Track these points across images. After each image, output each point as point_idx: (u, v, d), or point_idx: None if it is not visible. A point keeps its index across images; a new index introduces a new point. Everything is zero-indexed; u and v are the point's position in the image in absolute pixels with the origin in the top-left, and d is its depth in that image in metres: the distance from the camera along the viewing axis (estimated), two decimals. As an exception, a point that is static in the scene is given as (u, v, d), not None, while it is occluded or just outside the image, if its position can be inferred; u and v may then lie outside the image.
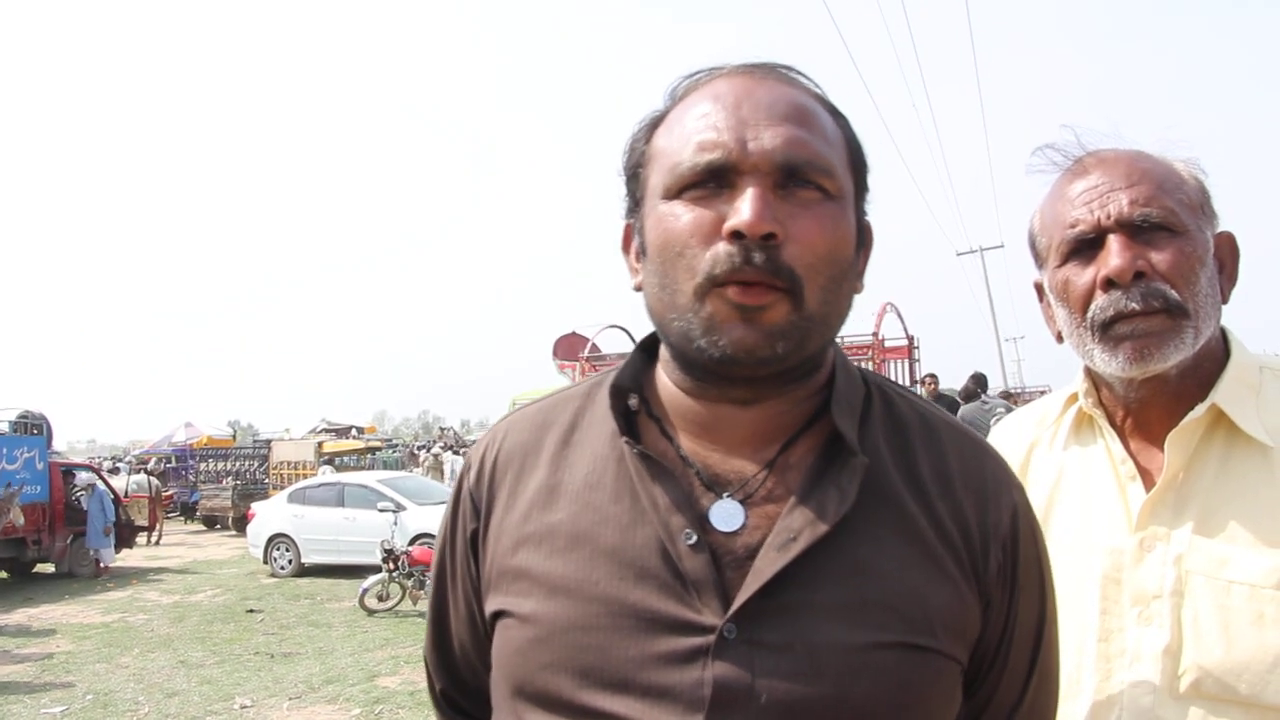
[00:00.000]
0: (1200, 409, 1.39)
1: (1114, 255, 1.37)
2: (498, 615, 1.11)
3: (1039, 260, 1.53)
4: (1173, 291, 1.35)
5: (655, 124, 1.11)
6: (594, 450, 1.12)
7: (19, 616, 13.12)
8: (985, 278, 39.25)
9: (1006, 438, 1.65)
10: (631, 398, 1.14)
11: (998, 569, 1.09)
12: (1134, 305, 1.36)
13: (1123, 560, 1.41)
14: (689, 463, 1.08)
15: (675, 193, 1.04)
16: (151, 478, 23.66)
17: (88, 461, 23.44)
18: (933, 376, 14.96)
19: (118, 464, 27.96)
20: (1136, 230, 1.38)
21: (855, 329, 17.34)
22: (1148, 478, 1.44)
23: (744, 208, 0.98)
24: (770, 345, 1.00)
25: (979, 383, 13.88)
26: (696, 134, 1.03)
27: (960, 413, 12.82)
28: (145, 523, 21.06)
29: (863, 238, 1.12)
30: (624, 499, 1.07)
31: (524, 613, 1.07)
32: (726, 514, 1.04)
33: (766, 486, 1.06)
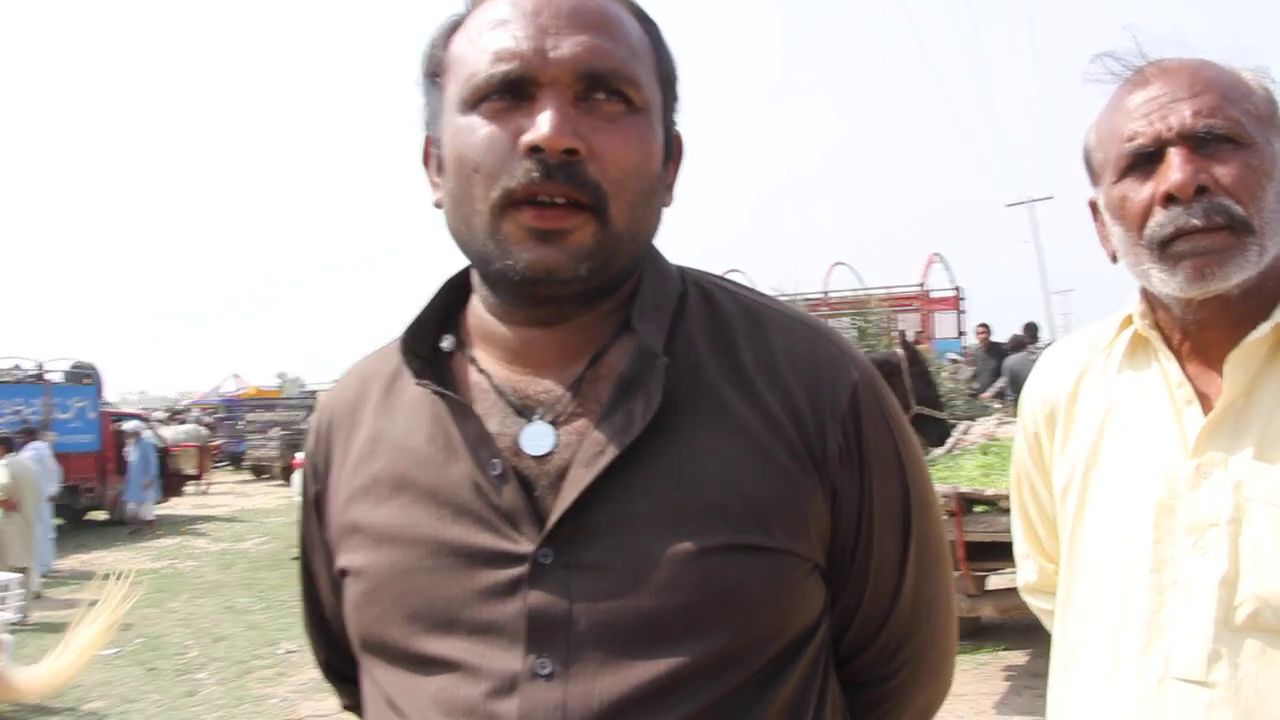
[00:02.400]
0: (1263, 329, 1.32)
1: (1174, 169, 1.30)
2: (342, 574, 1.08)
3: (1094, 177, 1.46)
4: (1237, 207, 1.29)
5: (454, 28, 1.05)
6: (412, 394, 1.08)
7: (72, 562, 13.41)
8: (1034, 229, 38.63)
9: (1055, 364, 1.59)
10: (445, 338, 1.09)
11: (839, 452, 1.02)
12: (1195, 221, 1.29)
13: (1178, 487, 1.34)
14: (500, 391, 1.03)
15: (472, 105, 0.98)
16: (200, 427, 24.03)
17: (139, 412, 23.86)
18: (985, 326, 14.77)
19: (174, 414, 28.37)
20: (1199, 143, 1.31)
21: (901, 279, 17.07)
22: (1206, 402, 1.37)
23: (542, 122, 0.94)
24: (573, 266, 0.96)
25: (1030, 332, 13.66)
26: (493, 43, 0.98)
27: (1006, 362, 12.63)
28: (194, 471, 21.41)
29: (671, 150, 1.08)
30: (437, 439, 1.03)
31: (356, 566, 1.05)
32: (535, 437, 1.00)
33: (575, 404, 1.01)
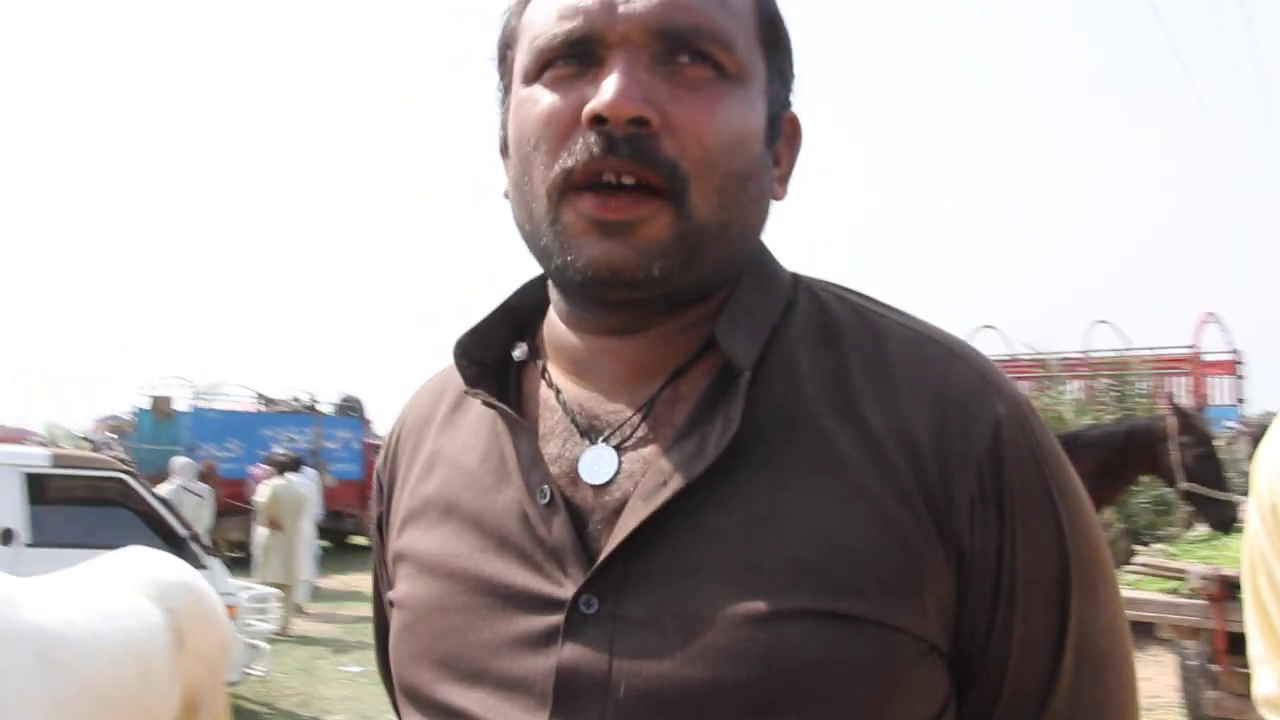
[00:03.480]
0: None
1: None
2: (390, 605, 0.97)
3: None
4: None
5: None
6: (478, 410, 0.94)
7: (334, 582, 14.35)
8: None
9: None
10: (518, 346, 0.96)
11: (971, 504, 0.81)
12: None
13: None
14: (568, 409, 0.89)
15: (535, 74, 0.86)
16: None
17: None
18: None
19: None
20: None
21: (1170, 339, 15.87)
22: None
23: (606, 86, 0.79)
24: (644, 265, 0.81)
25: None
26: (561, 0, 0.84)
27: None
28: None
29: (777, 130, 0.91)
30: (491, 459, 0.90)
31: (399, 598, 0.93)
32: (594, 463, 0.85)
33: (647, 427, 0.86)
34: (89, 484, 7.23)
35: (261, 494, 11.27)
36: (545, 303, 0.96)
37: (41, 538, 6.54)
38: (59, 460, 7.38)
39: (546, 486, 0.85)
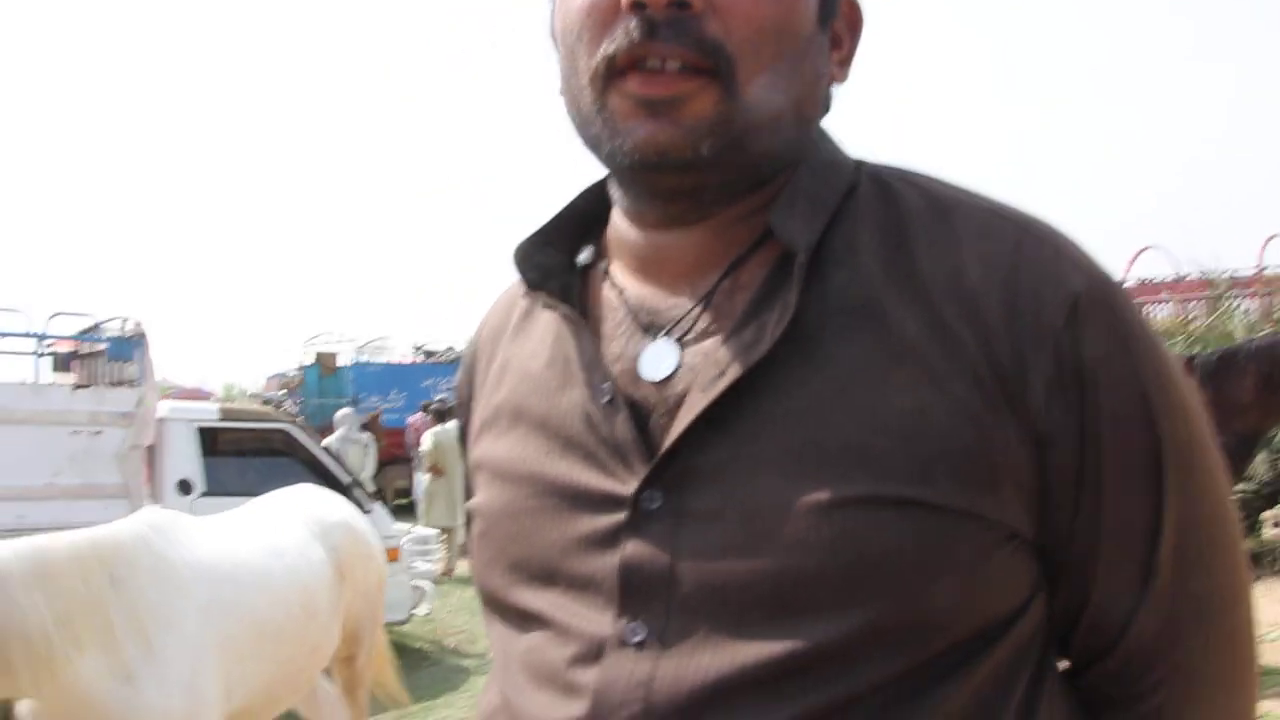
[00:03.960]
0: None
1: None
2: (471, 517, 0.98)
3: None
4: None
5: None
6: (545, 317, 0.94)
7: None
8: None
9: None
10: (583, 250, 0.95)
11: (1047, 383, 0.76)
12: None
13: None
14: (631, 307, 0.88)
15: None
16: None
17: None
18: None
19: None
20: None
21: (1232, 261, 14.49)
22: None
23: None
24: (691, 144, 0.79)
25: None
26: None
27: None
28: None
29: (831, 9, 0.88)
30: (556, 362, 0.90)
31: (476, 506, 0.94)
32: (654, 358, 0.84)
33: (707, 320, 0.84)
34: (256, 435, 7.62)
35: (425, 442, 11.64)
36: (608, 206, 0.95)
37: (215, 487, 6.95)
38: (227, 414, 7.82)
39: (607, 385, 0.84)
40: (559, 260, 0.94)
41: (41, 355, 7.24)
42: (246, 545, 3.82)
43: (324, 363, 17.59)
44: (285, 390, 19.95)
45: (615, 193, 0.92)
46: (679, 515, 0.78)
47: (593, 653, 0.79)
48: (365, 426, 13.62)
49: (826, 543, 0.74)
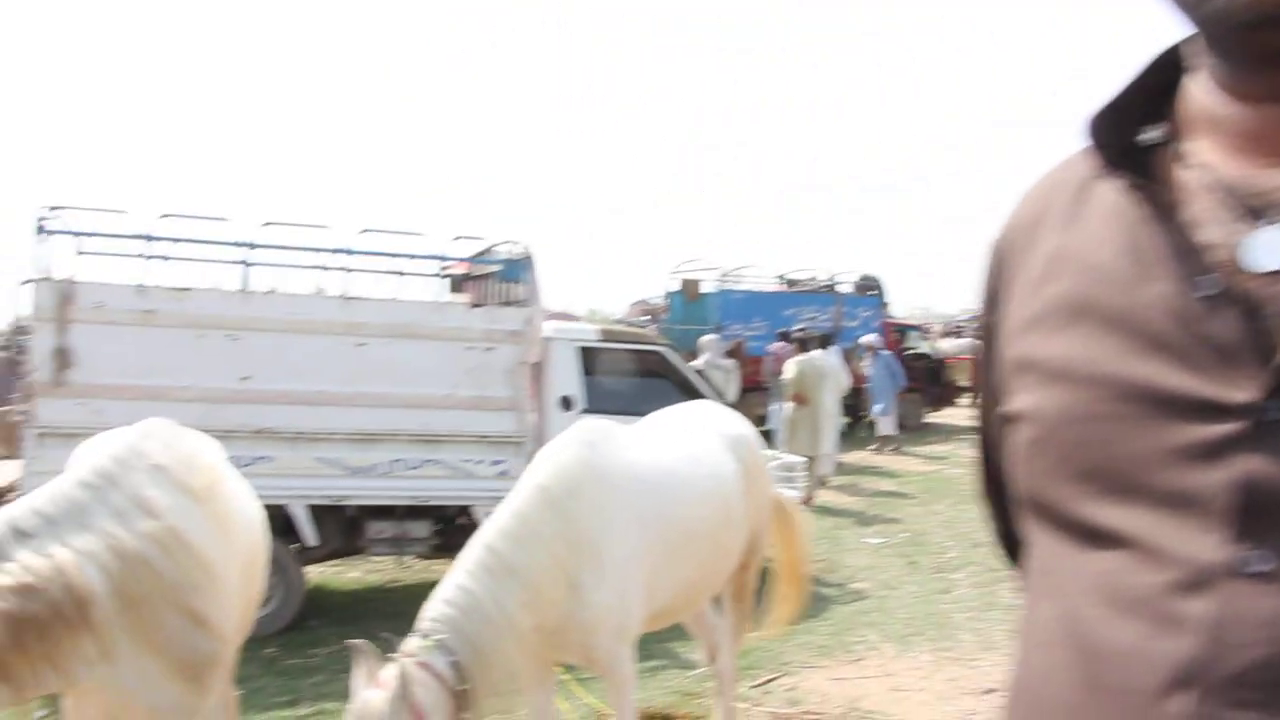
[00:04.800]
0: None
1: None
2: (1005, 420, 0.91)
3: None
4: None
5: None
6: (1105, 201, 0.85)
7: (851, 457, 14.63)
8: None
9: None
10: (1151, 128, 0.85)
11: None
12: None
13: None
14: (1222, 190, 0.77)
15: None
16: (978, 341, 24.53)
17: (921, 324, 25.17)
18: None
19: (950, 329, 29.50)
20: None
21: None
22: None
23: None
24: None
25: None
26: None
27: None
28: (967, 383, 22.03)
29: None
30: (1129, 252, 0.81)
31: (1024, 410, 0.87)
32: (1266, 247, 0.73)
33: None
34: (633, 357, 7.93)
35: (788, 370, 11.65)
36: (1175, 80, 0.86)
37: (594, 405, 7.30)
38: (606, 335, 8.20)
39: (1209, 277, 0.76)
40: (1118, 141, 0.86)
41: (443, 277, 7.83)
42: (670, 454, 4.07)
43: (689, 289, 18.02)
44: (649, 315, 20.71)
45: (1206, 61, 0.82)
46: None
47: (1196, 581, 0.72)
48: (729, 353, 13.84)
49: None
